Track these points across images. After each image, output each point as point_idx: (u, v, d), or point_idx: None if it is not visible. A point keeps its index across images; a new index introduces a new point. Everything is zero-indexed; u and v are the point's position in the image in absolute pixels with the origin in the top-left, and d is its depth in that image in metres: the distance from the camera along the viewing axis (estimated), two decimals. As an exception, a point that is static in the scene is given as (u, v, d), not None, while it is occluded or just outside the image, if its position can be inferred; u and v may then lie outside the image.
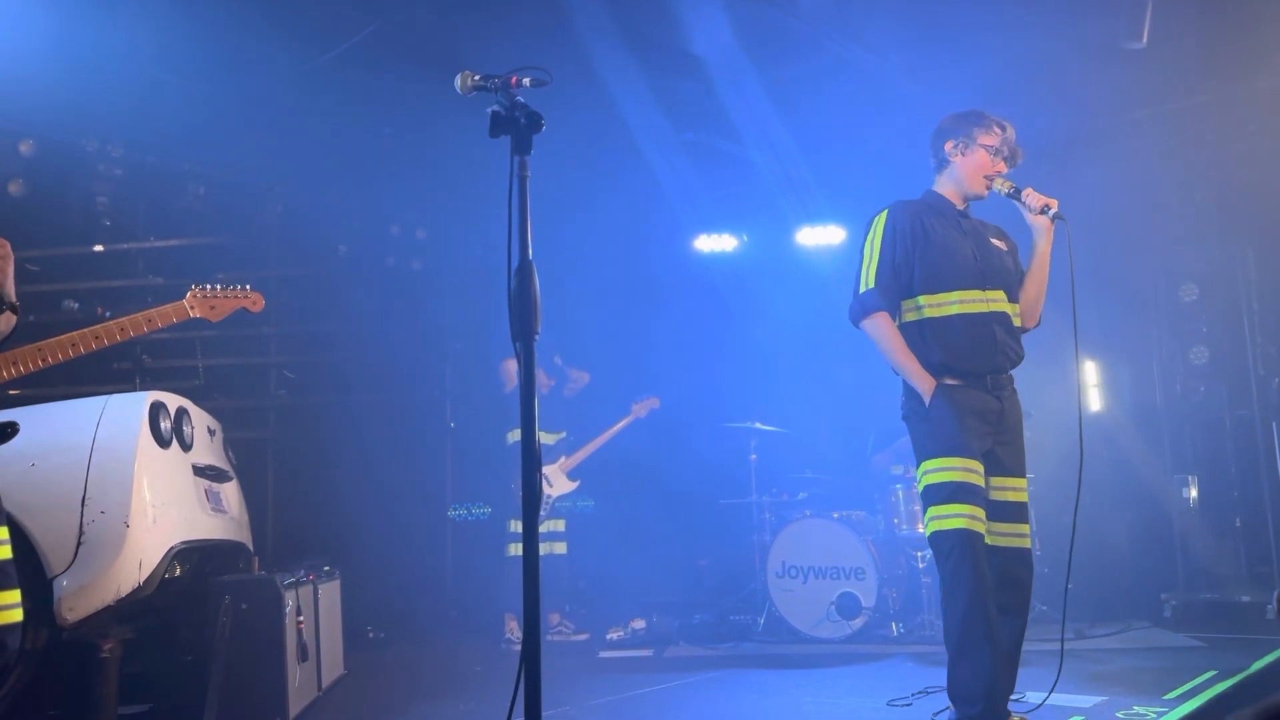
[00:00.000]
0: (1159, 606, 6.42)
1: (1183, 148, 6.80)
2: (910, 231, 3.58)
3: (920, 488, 3.51)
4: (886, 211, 3.66)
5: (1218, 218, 6.84)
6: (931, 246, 3.55)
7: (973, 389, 3.50)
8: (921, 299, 3.57)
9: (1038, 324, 3.76)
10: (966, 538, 3.33)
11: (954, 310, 3.53)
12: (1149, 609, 6.45)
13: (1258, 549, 6.41)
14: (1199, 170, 6.83)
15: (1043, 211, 3.51)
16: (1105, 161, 6.76)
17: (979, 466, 3.43)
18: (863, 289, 3.61)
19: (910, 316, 3.61)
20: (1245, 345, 6.57)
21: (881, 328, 3.55)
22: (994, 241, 3.70)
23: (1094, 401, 7.32)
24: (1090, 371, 7.35)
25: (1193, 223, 6.91)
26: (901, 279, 3.58)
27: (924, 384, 3.48)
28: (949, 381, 3.49)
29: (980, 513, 3.39)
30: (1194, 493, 6.70)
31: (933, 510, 3.43)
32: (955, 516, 3.36)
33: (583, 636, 6.45)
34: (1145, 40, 5.29)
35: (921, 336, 3.55)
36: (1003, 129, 3.61)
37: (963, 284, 3.53)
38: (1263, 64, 6.00)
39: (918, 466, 3.53)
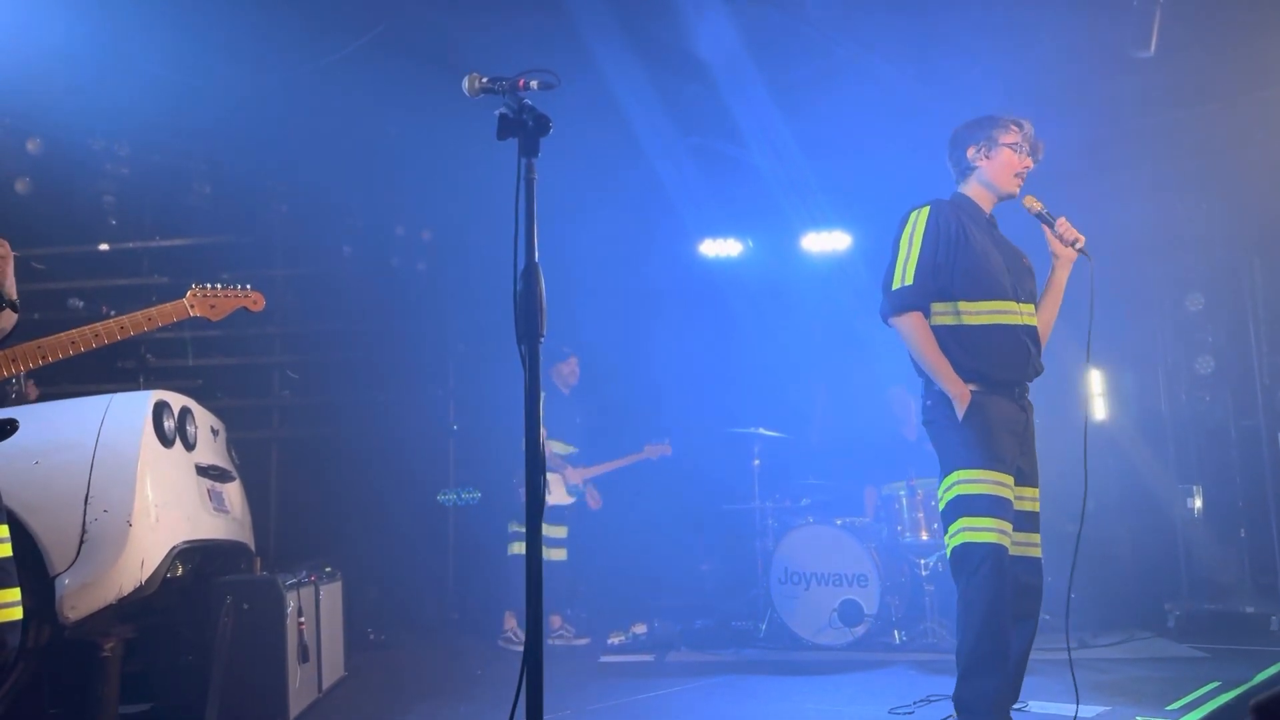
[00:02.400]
0: (1162, 616, 6.39)
1: (1190, 156, 6.78)
2: (953, 233, 3.52)
3: (950, 495, 3.42)
4: (929, 208, 3.59)
5: (1224, 227, 6.82)
6: (973, 252, 3.51)
7: (1002, 399, 3.47)
8: (961, 304, 3.51)
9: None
10: (997, 553, 3.30)
11: (992, 320, 3.49)
12: (1152, 619, 6.42)
13: (1262, 559, 6.39)
14: (1206, 179, 6.81)
15: (1071, 245, 3.53)
16: (1112, 169, 6.75)
17: (1010, 480, 3.40)
18: (898, 285, 3.54)
19: (946, 320, 3.54)
20: (1251, 355, 6.55)
21: (916, 328, 3.49)
22: (1022, 260, 3.70)
23: (1099, 410, 7.30)
24: (1095, 380, 7.33)
25: (1199, 231, 6.89)
26: (940, 280, 3.51)
27: (957, 389, 3.42)
28: (974, 389, 3.45)
29: (1009, 527, 3.35)
30: (1198, 502, 6.68)
31: (965, 521, 3.36)
32: (988, 530, 3.31)
33: (583, 641, 6.44)
34: (1154, 49, 5.29)
35: (958, 342, 3.49)
36: (1020, 126, 3.61)
37: (1000, 294, 3.50)
38: (1270, 74, 5.99)
39: (946, 475, 3.45)
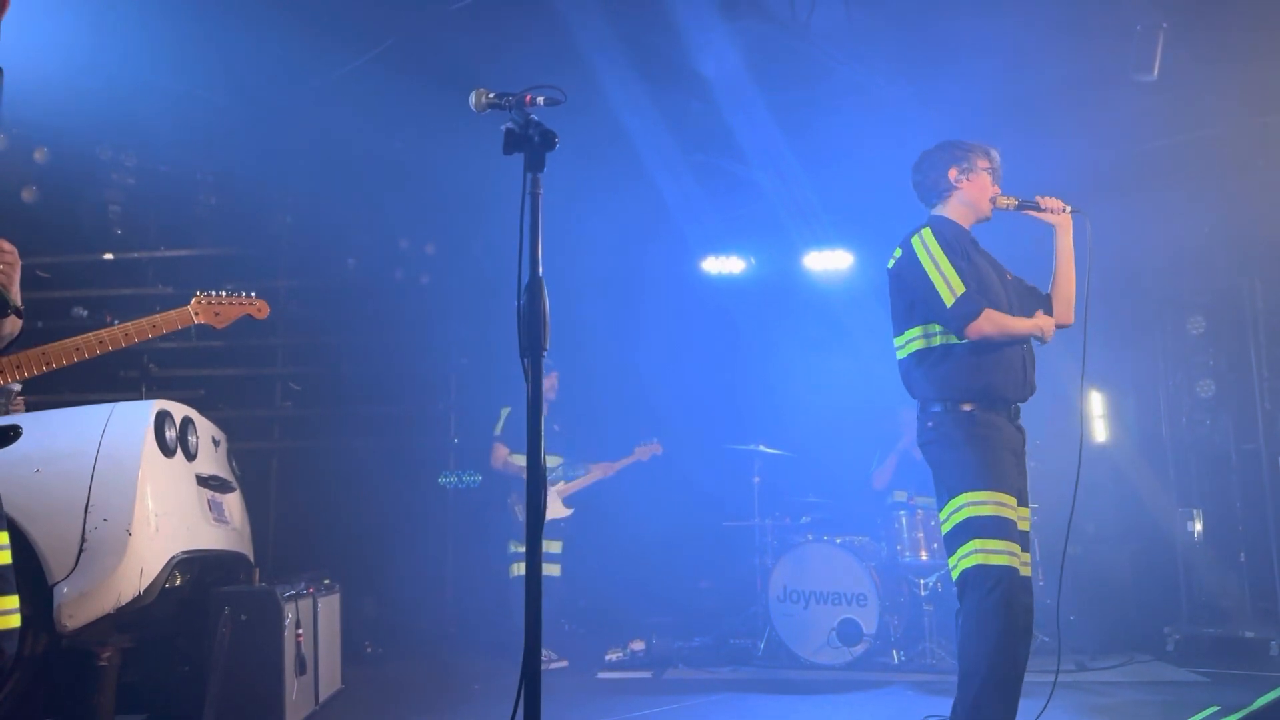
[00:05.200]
0: (1162, 640, 6.37)
1: (1191, 180, 6.81)
2: (960, 249, 3.55)
3: (959, 518, 3.39)
4: (928, 228, 3.59)
5: (1225, 250, 6.84)
6: (975, 268, 3.54)
7: (1001, 419, 3.47)
8: None
9: (1072, 321, 3.74)
10: (1010, 575, 3.29)
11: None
12: (1151, 642, 6.40)
13: (1262, 584, 6.37)
14: (1207, 203, 6.83)
15: (1063, 210, 3.63)
16: (1113, 192, 6.76)
17: (1014, 501, 3.40)
18: (952, 300, 3.44)
19: (950, 339, 3.52)
20: (1252, 379, 6.55)
21: (996, 319, 3.43)
22: (1006, 275, 3.72)
23: (1099, 433, 7.30)
24: (1096, 403, 7.33)
25: (1200, 255, 6.91)
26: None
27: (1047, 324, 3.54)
28: (966, 408, 3.44)
29: (1018, 549, 3.35)
30: (1198, 526, 6.67)
31: (977, 543, 3.33)
32: (1001, 553, 3.30)
33: (561, 664, 6.27)
34: (1156, 73, 5.32)
35: (971, 358, 3.48)
36: (988, 154, 3.71)
37: (1001, 309, 3.50)
38: (1271, 98, 6.02)
39: (953, 497, 3.42)
